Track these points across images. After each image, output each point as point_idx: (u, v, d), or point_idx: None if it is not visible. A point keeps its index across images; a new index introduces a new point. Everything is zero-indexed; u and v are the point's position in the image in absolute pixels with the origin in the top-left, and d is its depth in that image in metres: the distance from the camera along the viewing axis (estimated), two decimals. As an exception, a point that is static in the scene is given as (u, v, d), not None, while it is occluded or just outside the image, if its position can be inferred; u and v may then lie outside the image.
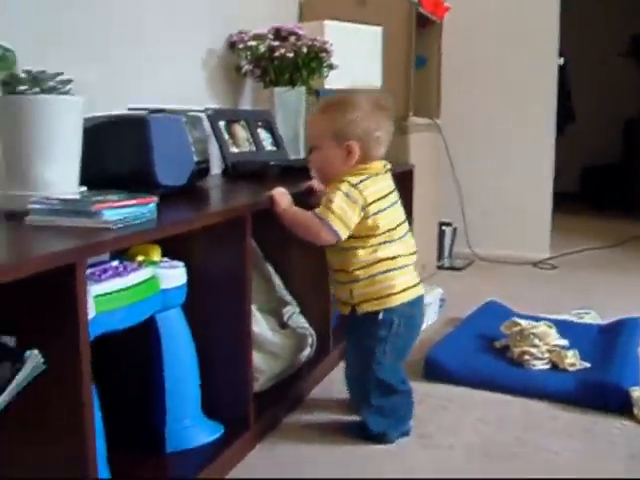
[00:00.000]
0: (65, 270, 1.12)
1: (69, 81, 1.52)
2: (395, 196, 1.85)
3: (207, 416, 1.72)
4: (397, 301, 1.78)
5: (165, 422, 1.64)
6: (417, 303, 1.84)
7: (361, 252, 1.77)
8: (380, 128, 1.80)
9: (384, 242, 1.78)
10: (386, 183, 1.83)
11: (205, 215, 1.59)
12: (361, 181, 1.76)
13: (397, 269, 1.79)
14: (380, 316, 1.78)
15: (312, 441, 1.83)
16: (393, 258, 1.78)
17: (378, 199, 1.77)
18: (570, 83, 5.54)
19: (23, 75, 1.47)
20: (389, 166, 1.85)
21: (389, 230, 1.78)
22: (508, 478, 1.64)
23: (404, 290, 1.79)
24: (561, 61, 4.22)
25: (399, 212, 1.85)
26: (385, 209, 1.78)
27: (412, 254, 1.84)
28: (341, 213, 1.71)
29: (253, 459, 1.74)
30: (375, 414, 1.82)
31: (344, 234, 1.73)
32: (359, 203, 1.73)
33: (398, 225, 1.81)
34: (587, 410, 2.00)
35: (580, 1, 5.82)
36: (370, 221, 1.76)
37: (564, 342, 2.33)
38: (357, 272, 1.78)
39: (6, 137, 1.49)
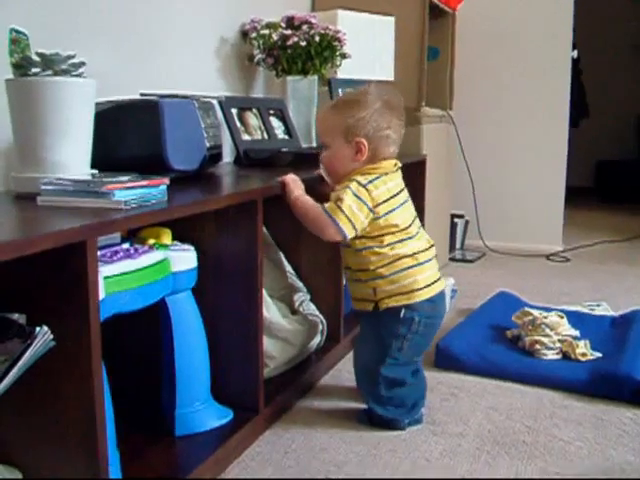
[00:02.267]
0: (76, 248, 1.12)
1: (82, 64, 1.51)
2: (405, 194, 1.84)
3: (217, 401, 1.72)
4: (420, 297, 1.77)
5: (175, 405, 1.64)
6: (438, 299, 1.83)
7: (378, 250, 1.76)
8: (390, 127, 1.79)
9: (402, 240, 1.77)
10: (395, 182, 1.82)
11: (216, 198, 1.58)
12: (370, 181, 1.75)
13: (418, 265, 1.78)
14: (402, 314, 1.78)
15: (322, 427, 1.83)
16: (413, 255, 1.77)
17: (388, 199, 1.77)
18: (582, 77, 5.51)
19: (36, 58, 1.47)
20: (399, 165, 1.85)
21: (405, 228, 1.78)
22: None
23: (427, 286, 1.79)
24: (575, 54, 4.20)
25: (410, 210, 1.84)
26: (396, 208, 1.78)
27: (431, 247, 1.84)
28: (349, 213, 1.71)
29: (262, 444, 1.74)
30: (384, 404, 1.83)
31: (350, 234, 1.72)
32: (367, 204, 1.73)
33: (412, 222, 1.81)
34: (598, 400, 1.99)
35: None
36: (382, 221, 1.75)
37: (575, 332, 2.33)
38: (379, 270, 1.77)
39: (19, 119, 1.49)
